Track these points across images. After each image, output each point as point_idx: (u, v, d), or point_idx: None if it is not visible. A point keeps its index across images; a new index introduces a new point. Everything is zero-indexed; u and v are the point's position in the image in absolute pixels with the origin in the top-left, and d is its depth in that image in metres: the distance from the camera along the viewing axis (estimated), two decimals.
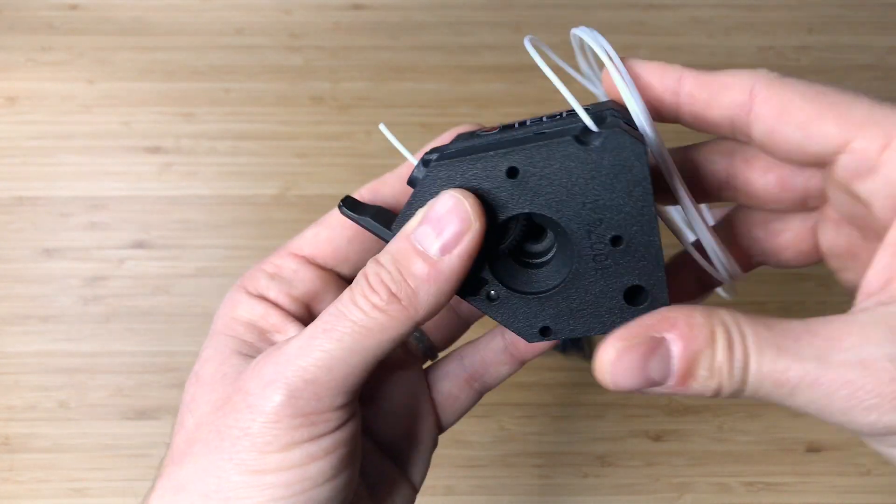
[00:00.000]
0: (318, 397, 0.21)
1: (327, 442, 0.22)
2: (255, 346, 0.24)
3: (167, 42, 0.55)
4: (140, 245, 0.50)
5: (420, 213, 0.22)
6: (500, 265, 0.24)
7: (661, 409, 0.48)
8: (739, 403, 0.47)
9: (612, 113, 0.23)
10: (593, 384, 0.22)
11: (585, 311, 0.23)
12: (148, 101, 0.53)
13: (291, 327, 0.25)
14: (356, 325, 0.21)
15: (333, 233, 0.26)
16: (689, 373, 0.19)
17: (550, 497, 0.46)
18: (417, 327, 0.23)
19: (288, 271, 0.26)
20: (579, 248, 0.22)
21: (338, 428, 0.22)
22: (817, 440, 0.47)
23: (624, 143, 0.21)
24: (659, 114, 0.24)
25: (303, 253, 0.27)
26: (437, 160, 0.23)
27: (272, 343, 0.24)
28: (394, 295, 0.21)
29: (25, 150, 0.52)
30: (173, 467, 0.23)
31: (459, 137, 0.26)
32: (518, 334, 0.24)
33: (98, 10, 0.56)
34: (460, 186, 0.22)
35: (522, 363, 0.30)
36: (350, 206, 0.24)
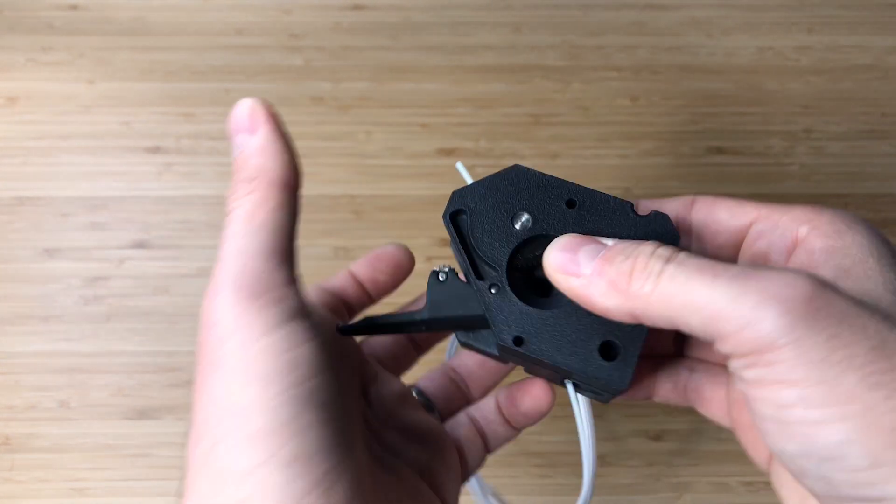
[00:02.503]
0: (256, 275, 0.22)
1: (286, 312, 0.22)
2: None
3: (167, 42, 0.55)
4: (140, 245, 0.50)
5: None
6: (514, 272, 0.26)
7: (661, 408, 0.48)
8: None
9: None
10: None
11: (561, 342, 0.25)
12: (148, 101, 0.53)
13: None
14: (239, 216, 0.23)
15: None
16: (609, 258, 0.22)
17: (550, 497, 0.46)
18: (290, 195, 0.24)
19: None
20: None
21: (289, 297, 0.22)
22: None
23: (669, 228, 0.26)
24: None
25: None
26: (507, 169, 0.27)
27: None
28: (247, 178, 0.23)
29: (26, 150, 0.52)
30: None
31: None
32: (495, 330, 0.25)
33: (98, 10, 0.56)
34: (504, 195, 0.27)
35: (518, 430, 0.32)
36: (345, 328, 0.28)
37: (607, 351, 0.25)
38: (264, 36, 0.55)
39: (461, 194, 0.26)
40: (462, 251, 0.26)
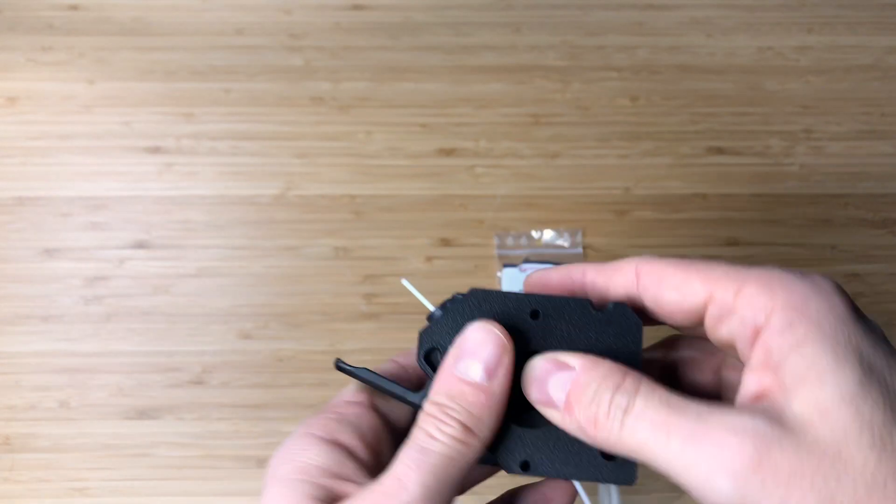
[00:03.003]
0: None
1: None
2: (331, 492, 0.24)
3: (167, 42, 0.55)
4: (140, 245, 0.50)
5: (455, 349, 0.25)
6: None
7: None
8: None
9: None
10: None
11: (563, 455, 0.25)
12: (148, 101, 0.53)
13: (364, 475, 0.25)
14: (442, 457, 0.23)
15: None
16: (575, 395, 0.23)
17: None
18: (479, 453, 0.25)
19: (353, 416, 0.27)
20: None
21: None
22: None
23: (630, 318, 0.26)
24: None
25: (359, 399, 0.27)
26: (466, 294, 0.26)
27: (346, 491, 0.24)
28: (465, 425, 0.24)
29: (26, 150, 0.52)
30: None
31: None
32: (500, 461, 0.25)
33: (98, 10, 0.56)
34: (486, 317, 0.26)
35: None
36: (342, 366, 0.27)
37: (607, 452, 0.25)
38: (264, 36, 0.55)
39: (429, 333, 0.26)
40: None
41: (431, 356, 0.26)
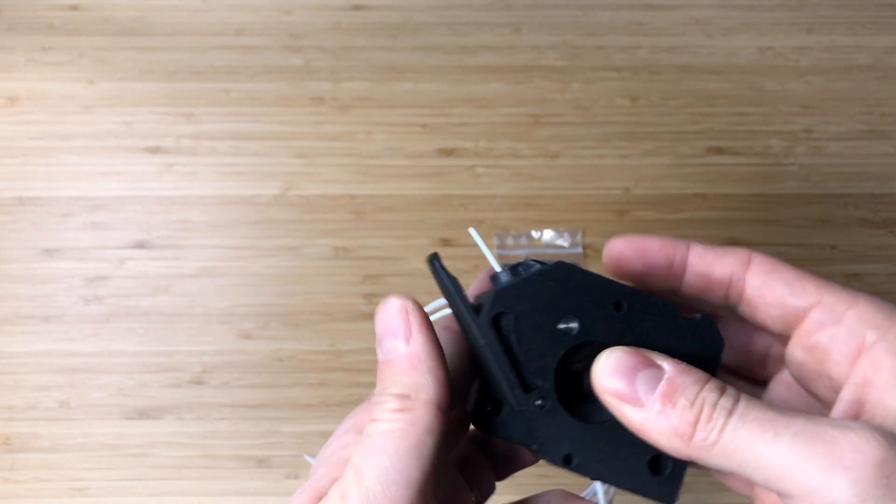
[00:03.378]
0: None
1: None
2: None
3: (167, 42, 0.55)
4: (141, 245, 0.50)
5: (377, 340, 0.24)
6: (562, 384, 0.25)
7: None
8: None
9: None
10: None
11: (610, 457, 0.24)
12: (148, 101, 0.53)
13: None
14: (389, 435, 0.22)
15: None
16: (670, 395, 0.22)
17: None
18: (451, 411, 0.23)
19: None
20: None
21: None
22: None
23: (715, 334, 0.25)
24: (666, 281, 0.27)
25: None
26: (547, 265, 0.25)
27: None
28: (399, 394, 0.22)
29: (26, 150, 0.52)
30: None
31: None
32: (541, 450, 0.24)
33: (98, 10, 0.56)
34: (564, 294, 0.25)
35: None
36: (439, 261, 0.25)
37: (656, 465, 0.24)
38: (264, 36, 0.55)
39: (504, 294, 0.24)
40: (506, 360, 0.24)
41: (500, 321, 0.24)
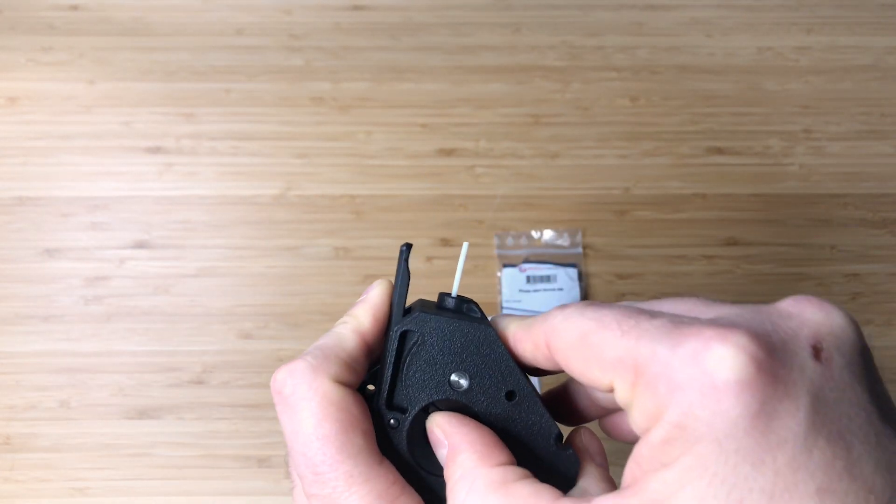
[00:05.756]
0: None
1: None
2: None
3: (167, 42, 0.55)
4: (141, 245, 0.50)
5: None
6: (418, 424, 0.26)
7: None
8: None
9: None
10: None
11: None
12: (148, 101, 0.53)
13: None
14: (328, 348, 0.25)
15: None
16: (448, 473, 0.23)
17: None
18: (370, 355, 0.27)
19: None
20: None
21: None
22: None
23: (572, 476, 0.26)
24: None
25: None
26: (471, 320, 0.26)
27: None
28: (350, 314, 0.27)
29: (26, 150, 0.52)
30: None
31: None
32: (385, 454, 0.25)
33: (98, 10, 0.56)
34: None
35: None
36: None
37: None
38: (264, 36, 0.55)
39: (424, 320, 0.25)
40: (391, 369, 0.25)
41: (405, 336, 0.25)
